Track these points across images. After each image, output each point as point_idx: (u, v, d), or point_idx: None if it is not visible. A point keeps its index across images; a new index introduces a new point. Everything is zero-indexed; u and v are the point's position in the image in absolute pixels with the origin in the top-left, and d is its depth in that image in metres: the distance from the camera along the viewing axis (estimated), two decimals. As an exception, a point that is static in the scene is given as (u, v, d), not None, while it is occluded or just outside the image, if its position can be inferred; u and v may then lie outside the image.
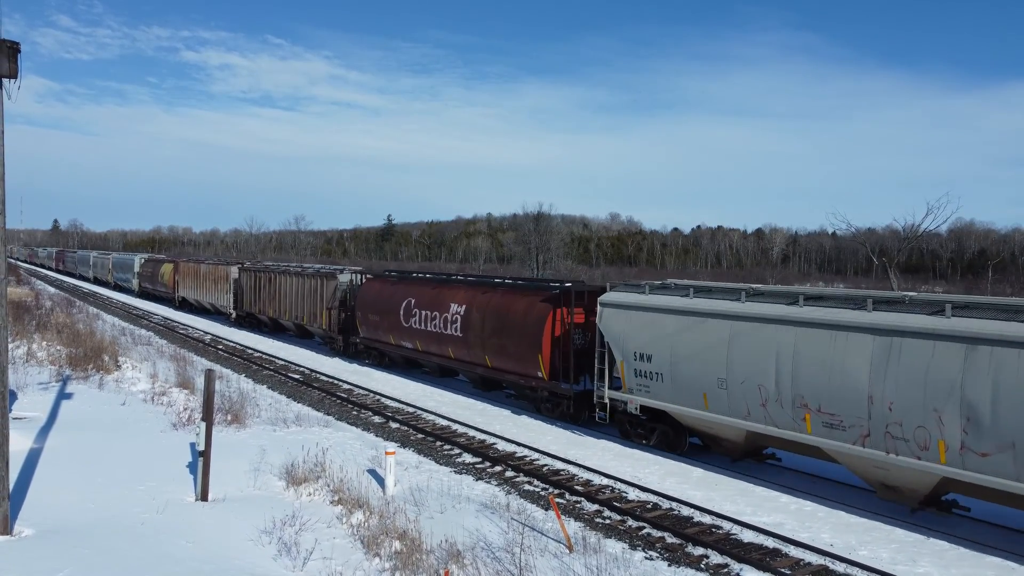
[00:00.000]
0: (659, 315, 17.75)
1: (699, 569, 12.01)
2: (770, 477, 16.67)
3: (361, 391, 26.20)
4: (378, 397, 25.27)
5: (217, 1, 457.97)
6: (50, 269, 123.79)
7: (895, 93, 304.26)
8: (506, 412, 23.13)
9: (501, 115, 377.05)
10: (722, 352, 16.09)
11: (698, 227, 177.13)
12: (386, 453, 15.15)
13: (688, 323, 17.01)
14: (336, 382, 27.94)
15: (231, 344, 38.21)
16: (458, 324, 24.90)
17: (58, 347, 27.79)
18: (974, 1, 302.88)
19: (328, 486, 14.13)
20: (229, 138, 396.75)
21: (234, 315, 45.43)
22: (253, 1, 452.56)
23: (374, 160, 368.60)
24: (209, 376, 13.49)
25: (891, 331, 13.23)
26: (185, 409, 19.54)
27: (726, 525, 13.70)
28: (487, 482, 16.40)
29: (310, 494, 13.93)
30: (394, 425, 21.52)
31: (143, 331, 41.43)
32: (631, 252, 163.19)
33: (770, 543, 12.87)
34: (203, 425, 13.11)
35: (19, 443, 14.56)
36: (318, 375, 29.43)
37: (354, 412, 23.19)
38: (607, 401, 19.36)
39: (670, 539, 13.18)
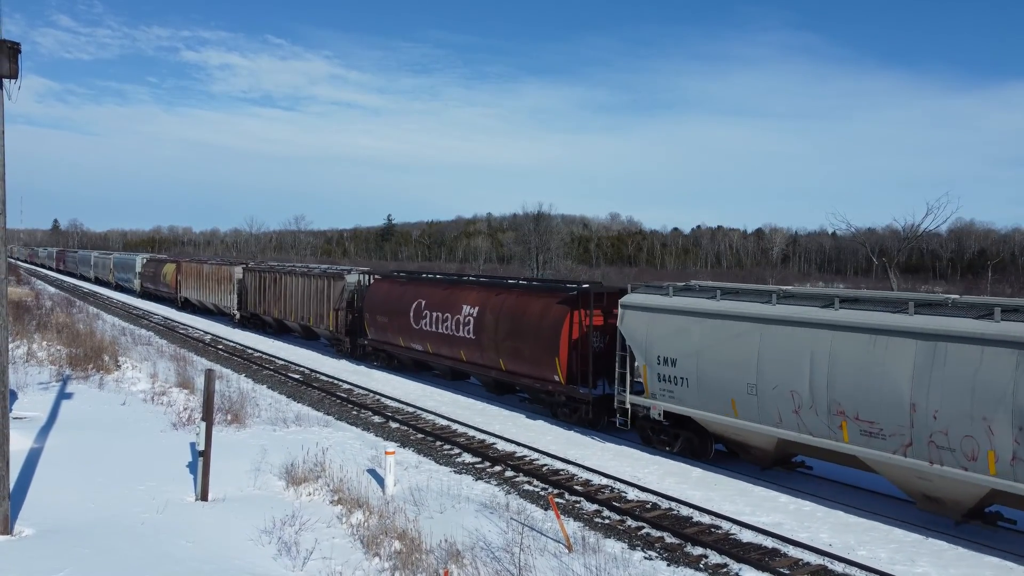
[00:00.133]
0: (684, 318, 17.14)
1: (698, 569, 12.03)
2: (769, 477, 16.69)
3: (361, 391, 26.22)
4: (378, 397, 25.29)
5: (217, 1, 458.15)
6: (50, 269, 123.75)
7: (895, 93, 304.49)
8: (520, 417, 22.82)
9: (501, 115, 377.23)
10: (752, 357, 15.50)
11: (698, 227, 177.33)
12: (386, 453, 15.18)
13: (715, 326, 16.41)
14: (336, 382, 27.96)
15: (231, 344, 38.21)
16: (471, 326, 24.32)
17: (58, 347, 27.82)
18: (974, 1, 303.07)
19: (328, 486, 14.16)
20: (229, 138, 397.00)
21: (238, 316, 44.96)
22: (253, 1, 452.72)
23: (374, 160, 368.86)
24: (209, 376, 13.51)
25: (936, 336, 12.62)
26: (185, 409, 19.57)
27: (725, 525, 13.72)
28: (487, 482, 16.42)
29: (310, 494, 13.95)
30: (394, 425, 21.54)
31: (143, 331, 41.46)
32: (631, 252, 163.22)
33: (769, 543, 12.89)
34: (203, 425, 13.13)
35: (19, 443, 14.58)
36: (320, 376, 29.44)
37: (354, 412, 23.21)
38: (628, 406, 18.75)
39: (669, 539, 13.20)
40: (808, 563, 12.12)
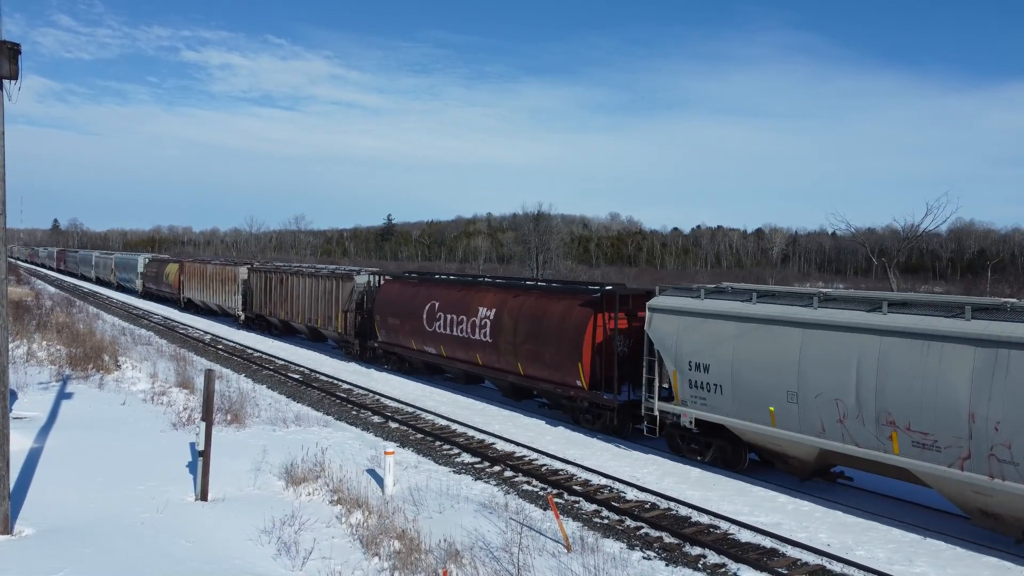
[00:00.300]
0: (717, 321, 16.41)
1: (696, 569, 12.06)
2: (767, 477, 16.71)
3: (361, 391, 26.24)
4: (377, 397, 25.32)
5: (218, 1, 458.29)
6: (51, 269, 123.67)
7: (895, 93, 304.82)
8: (519, 416, 22.78)
9: (501, 115, 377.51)
10: (792, 363, 14.79)
11: (698, 227, 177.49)
12: (385, 453, 15.20)
13: (751, 330, 15.69)
14: (336, 382, 27.98)
15: (231, 344, 38.24)
16: (487, 329, 23.60)
17: (58, 347, 27.85)
18: (974, 1, 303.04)
19: (327, 486, 14.19)
20: (229, 138, 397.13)
21: (243, 317, 44.31)
22: (253, 1, 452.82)
23: (374, 160, 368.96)
24: (209, 376, 13.54)
25: (997, 342, 11.93)
26: (185, 409, 19.60)
27: (724, 525, 13.75)
28: (486, 482, 16.45)
29: (309, 494, 13.98)
30: (393, 425, 21.57)
31: (143, 331, 41.48)
32: (631, 252, 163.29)
33: (767, 543, 12.92)
34: (203, 425, 13.16)
35: (19, 443, 14.62)
36: (320, 376, 29.45)
37: (353, 412, 23.24)
38: (656, 414, 18.05)
39: (668, 539, 13.23)
40: (806, 563, 12.15)
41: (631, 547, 12.85)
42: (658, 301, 18.13)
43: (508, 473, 17.06)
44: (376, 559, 11.13)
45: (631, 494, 15.52)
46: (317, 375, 29.42)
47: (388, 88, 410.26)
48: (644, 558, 12.42)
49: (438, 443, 19.60)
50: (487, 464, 17.77)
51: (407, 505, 13.58)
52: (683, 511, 14.48)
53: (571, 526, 13.47)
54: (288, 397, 25.10)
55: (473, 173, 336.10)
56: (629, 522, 14.03)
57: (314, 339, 38.31)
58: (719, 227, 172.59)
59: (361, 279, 32.81)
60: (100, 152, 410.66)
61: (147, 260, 68.43)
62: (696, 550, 12.72)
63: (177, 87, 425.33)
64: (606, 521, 14.12)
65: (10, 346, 13.39)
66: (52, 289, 69.41)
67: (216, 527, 11.73)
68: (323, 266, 46.26)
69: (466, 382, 27.15)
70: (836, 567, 11.93)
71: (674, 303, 17.64)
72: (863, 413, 13.68)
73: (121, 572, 9.66)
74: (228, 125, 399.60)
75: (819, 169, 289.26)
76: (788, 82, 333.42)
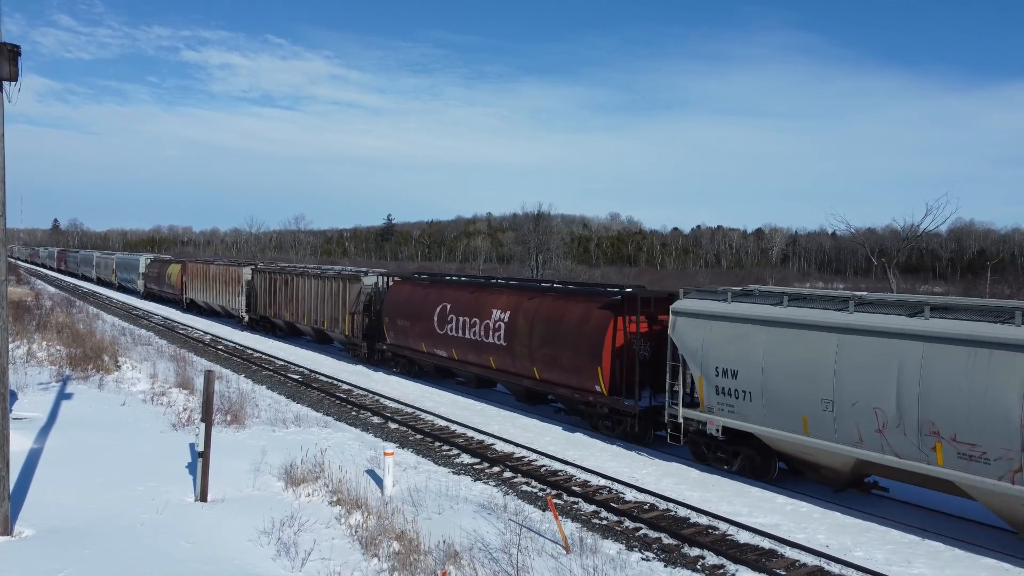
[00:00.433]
0: (746, 326, 15.88)
1: (695, 570, 12.08)
2: (766, 478, 16.71)
3: (360, 391, 26.26)
4: (377, 397, 25.34)
5: (218, 1, 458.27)
6: (51, 269, 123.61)
7: (895, 93, 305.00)
8: (518, 417, 22.79)
9: (501, 115, 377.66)
10: (827, 369, 14.23)
11: (698, 227, 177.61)
12: (385, 454, 15.22)
13: (783, 335, 15.15)
14: (335, 382, 28.00)
15: (231, 345, 38.25)
16: (501, 332, 23.12)
17: (58, 347, 27.87)
18: (974, 1, 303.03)
19: (327, 486, 14.21)
20: (229, 138, 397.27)
21: (247, 318, 43.91)
22: (253, 1, 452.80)
23: (374, 160, 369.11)
24: (209, 377, 13.56)
25: None
26: (185, 409, 19.62)
27: (722, 526, 13.77)
28: (485, 483, 16.47)
29: (309, 494, 14.00)
30: (393, 426, 21.59)
31: (143, 331, 41.50)
32: (631, 252, 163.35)
33: (766, 544, 12.94)
34: (202, 426, 13.18)
35: (19, 443, 14.64)
36: (319, 376, 29.48)
37: (353, 412, 23.26)
38: (680, 421, 17.47)
39: (667, 540, 13.24)
40: (805, 564, 12.17)
41: (630, 548, 12.87)
42: (682, 304, 17.55)
43: (507, 474, 17.08)
44: (375, 560, 11.16)
45: (630, 495, 15.55)
46: (317, 376, 29.43)
47: (388, 88, 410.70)
48: (643, 559, 12.44)
49: (437, 444, 19.62)
50: (486, 465, 17.79)
51: (406, 506, 13.61)
52: (682, 512, 14.50)
53: (570, 527, 13.49)
54: (288, 398, 25.12)
55: (473, 173, 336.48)
56: (628, 523, 14.05)
57: (319, 341, 37.81)
58: (719, 227, 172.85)
59: (369, 280, 32.23)
60: (100, 152, 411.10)
61: (149, 260, 68.02)
62: (695, 551, 12.74)
63: (177, 87, 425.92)
64: (605, 522, 14.13)
65: (10, 346, 13.41)
66: (52, 289, 69.43)
67: (216, 528, 11.75)
68: (329, 267, 45.64)
69: (477, 386, 26.69)
70: (834, 568, 11.95)
71: (699, 306, 17.09)
72: (904, 423, 13.13)
73: (121, 573, 9.69)
74: (228, 125, 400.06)
75: (819, 169, 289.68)
76: (788, 82, 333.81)
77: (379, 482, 15.17)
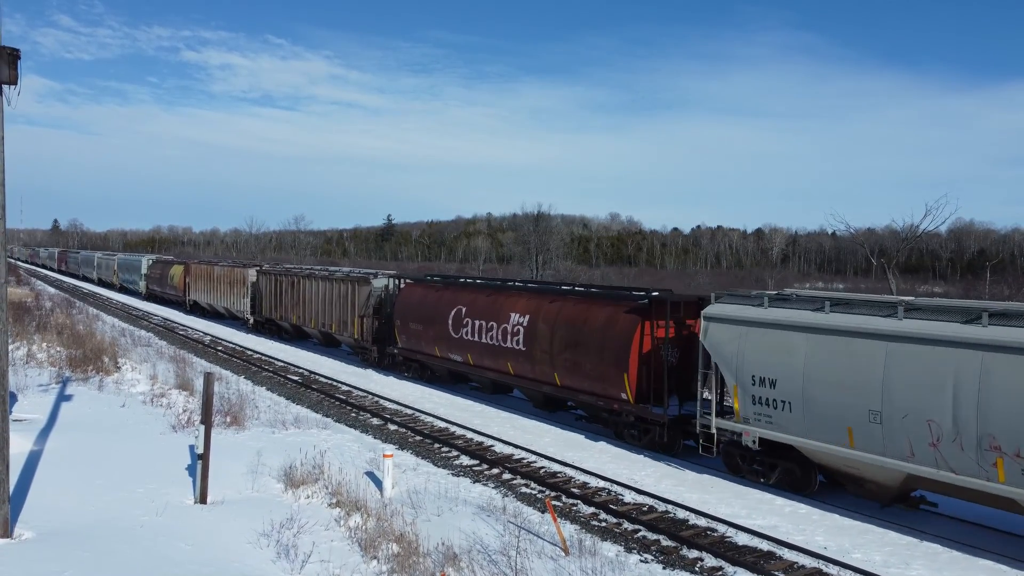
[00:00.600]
0: (785, 332, 15.20)
1: (693, 572, 12.10)
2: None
3: (360, 393, 26.27)
4: (376, 399, 25.35)
5: (218, 1, 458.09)
6: (51, 270, 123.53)
7: (895, 93, 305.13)
8: (518, 418, 22.78)
9: (501, 115, 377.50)
10: (875, 379, 13.55)
11: (698, 227, 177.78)
12: (384, 455, 15.25)
13: (826, 343, 14.48)
14: (335, 383, 28.01)
15: (232, 346, 38.25)
16: (520, 336, 22.47)
17: (58, 348, 27.90)
18: (974, 1, 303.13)
19: (326, 488, 14.23)
20: (229, 138, 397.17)
21: (251, 321, 43.13)
22: (254, 1, 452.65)
23: (374, 160, 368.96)
24: (208, 379, 13.58)
25: None
26: (184, 411, 19.64)
27: (721, 528, 13.79)
28: (484, 484, 16.49)
29: (308, 496, 14.02)
30: (392, 427, 21.60)
31: (143, 332, 41.50)
32: (631, 252, 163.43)
33: (764, 546, 12.96)
34: (202, 428, 13.21)
35: (19, 445, 14.66)
36: (320, 378, 29.49)
37: (352, 414, 23.27)
38: (714, 431, 16.81)
39: (665, 542, 13.26)
40: (803, 566, 12.20)
41: (629, 550, 12.89)
42: (715, 309, 16.87)
43: (507, 476, 17.10)
44: (375, 562, 11.18)
45: (629, 497, 15.57)
46: (316, 377, 29.43)
47: (388, 88, 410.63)
48: (642, 561, 12.46)
49: (437, 445, 19.63)
50: (486, 467, 17.81)
51: (405, 508, 13.64)
52: (681, 514, 14.53)
53: (569, 529, 13.51)
54: (287, 399, 25.13)
55: (473, 173, 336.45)
56: (627, 525, 14.07)
57: (327, 345, 37.26)
58: (719, 227, 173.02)
59: (379, 282, 31.63)
60: (100, 152, 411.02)
61: (151, 262, 67.44)
62: (694, 553, 12.76)
63: (177, 87, 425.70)
64: (604, 524, 14.16)
65: (10, 348, 13.43)
66: (52, 290, 69.44)
67: (215, 530, 11.78)
68: (336, 268, 44.98)
69: (493, 392, 26.08)
70: (832, 570, 11.97)
71: (734, 311, 16.41)
72: (962, 437, 12.43)
73: (121, 575, 9.70)
74: (228, 125, 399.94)
75: (819, 169, 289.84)
76: (788, 82, 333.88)
77: (378, 484, 15.19)
